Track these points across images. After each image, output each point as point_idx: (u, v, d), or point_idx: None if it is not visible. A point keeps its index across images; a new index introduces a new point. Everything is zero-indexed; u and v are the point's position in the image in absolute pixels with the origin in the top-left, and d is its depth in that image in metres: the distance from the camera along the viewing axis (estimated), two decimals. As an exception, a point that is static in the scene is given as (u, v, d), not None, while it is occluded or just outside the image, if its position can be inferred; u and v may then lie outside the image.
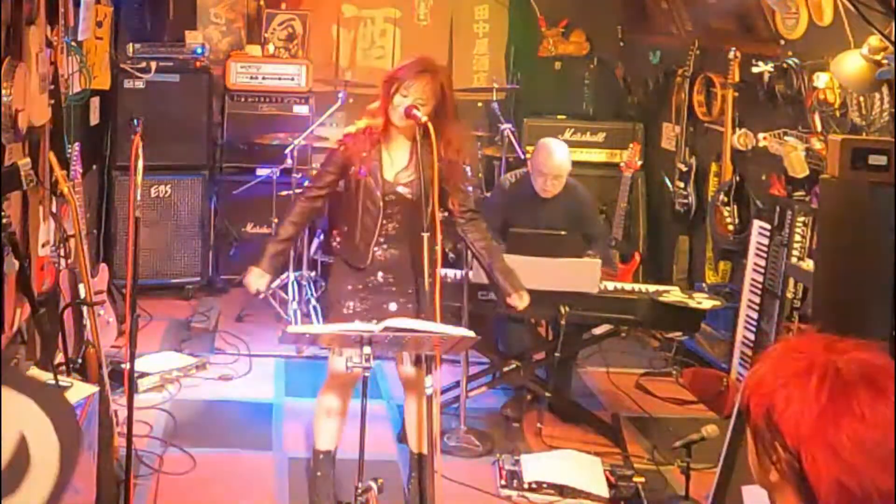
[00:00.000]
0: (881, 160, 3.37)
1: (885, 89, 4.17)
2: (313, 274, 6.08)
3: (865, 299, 3.36)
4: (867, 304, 3.34)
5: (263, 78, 6.81)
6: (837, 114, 4.56)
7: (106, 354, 4.23)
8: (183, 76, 6.56)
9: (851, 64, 4.16)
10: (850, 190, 3.45)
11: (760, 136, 5.18)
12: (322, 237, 6.14)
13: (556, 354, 4.57)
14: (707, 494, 3.65)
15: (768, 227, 4.97)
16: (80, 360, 4.05)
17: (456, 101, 3.74)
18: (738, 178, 5.51)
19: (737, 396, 4.45)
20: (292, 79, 6.84)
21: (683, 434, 4.00)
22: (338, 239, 3.88)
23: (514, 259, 4.48)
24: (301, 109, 6.80)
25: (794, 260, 4.75)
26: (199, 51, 6.63)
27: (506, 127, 6.49)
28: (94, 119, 6.18)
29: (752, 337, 5.02)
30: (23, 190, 3.98)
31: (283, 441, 4.54)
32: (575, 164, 5.37)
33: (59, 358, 4.10)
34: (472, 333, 3.22)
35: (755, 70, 5.18)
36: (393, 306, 3.68)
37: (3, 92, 3.71)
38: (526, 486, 4.09)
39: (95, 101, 6.14)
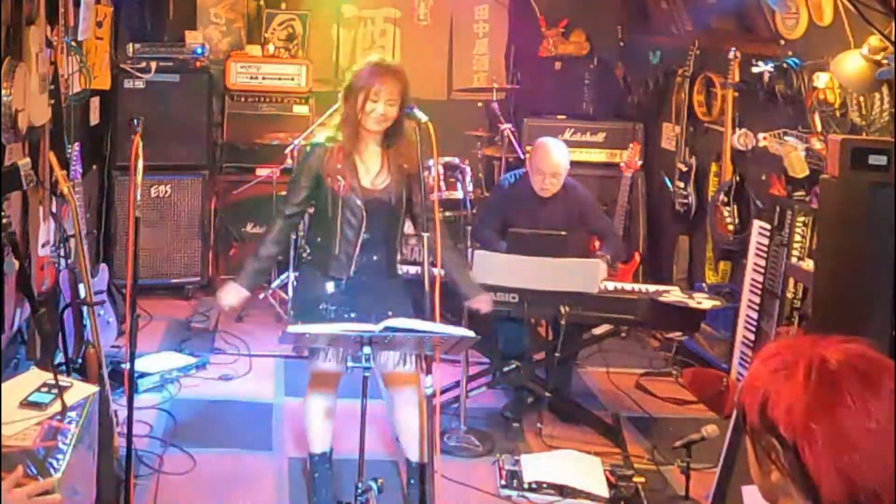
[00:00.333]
0: (881, 160, 3.37)
1: (885, 89, 4.17)
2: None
3: (865, 299, 3.36)
4: (867, 304, 3.34)
5: (263, 78, 6.81)
6: (837, 114, 4.56)
7: (106, 354, 4.24)
8: (183, 76, 6.56)
9: (851, 64, 4.16)
10: (850, 190, 3.45)
11: (760, 136, 5.18)
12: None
13: (556, 354, 4.56)
14: (707, 494, 3.65)
15: (768, 227, 4.97)
16: (80, 360, 4.05)
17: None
18: (738, 178, 5.51)
19: (737, 397, 4.45)
20: (292, 79, 6.84)
21: (683, 434, 4.01)
22: (308, 250, 3.80)
23: (514, 259, 4.49)
24: (301, 109, 6.80)
25: (794, 260, 4.74)
26: (199, 51, 6.63)
27: (506, 127, 6.49)
28: (94, 119, 6.18)
29: (752, 337, 5.02)
30: (23, 190, 3.99)
31: (283, 441, 4.54)
32: (575, 164, 5.37)
33: (59, 358, 4.10)
34: (472, 333, 3.22)
35: (755, 70, 5.18)
36: (366, 303, 3.67)
37: (3, 92, 3.72)
38: (526, 486, 4.09)
39: (95, 101, 6.15)
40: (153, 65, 6.45)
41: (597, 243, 5.32)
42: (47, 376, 3.06)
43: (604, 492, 4.07)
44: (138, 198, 3.50)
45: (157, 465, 4.16)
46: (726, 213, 5.51)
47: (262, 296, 6.22)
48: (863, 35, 4.15)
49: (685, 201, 6.11)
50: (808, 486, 1.26)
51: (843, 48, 4.33)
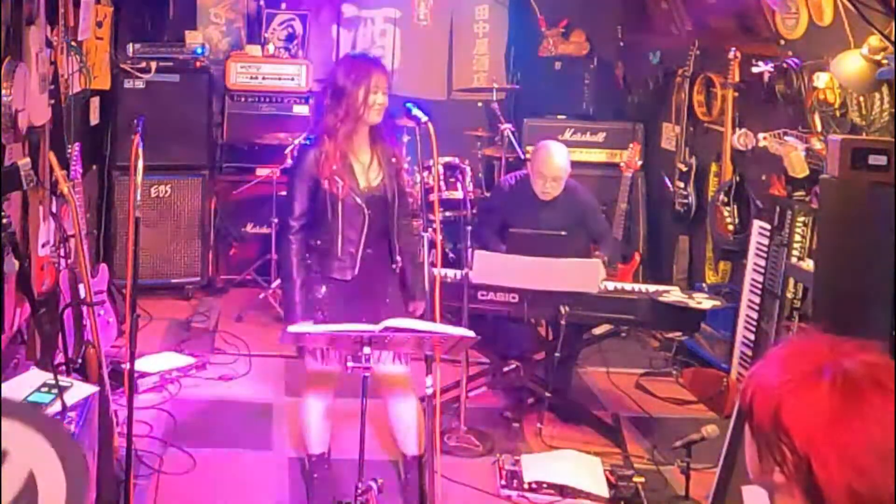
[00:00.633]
0: (881, 160, 3.37)
1: (885, 89, 4.17)
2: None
3: (865, 299, 3.35)
4: (867, 304, 3.34)
5: (263, 78, 6.81)
6: (837, 114, 4.56)
7: (106, 354, 4.24)
8: (183, 76, 6.56)
9: (851, 64, 4.16)
10: (850, 190, 3.45)
11: (760, 136, 5.18)
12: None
13: (556, 354, 4.56)
14: (707, 494, 3.65)
15: (768, 227, 4.96)
16: (80, 360, 4.05)
17: None
18: (738, 178, 5.51)
19: (737, 396, 4.45)
20: (292, 79, 6.84)
21: (683, 434, 4.00)
22: (306, 254, 3.73)
23: (514, 259, 4.49)
24: (301, 109, 6.80)
25: (794, 260, 4.74)
26: (199, 51, 6.63)
27: (506, 127, 6.49)
28: (94, 119, 6.18)
29: (752, 337, 5.02)
30: (23, 190, 3.98)
31: (283, 441, 4.54)
32: (575, 164, 5.37)
33: (59, 358, 4.10)
34: (472, 333, 3.22)
35: (755, 70, 5.18)
36: (364, 305, 3.67)
37: (3, 92, 3.72)
38: (526, 486, 4.09)
39: (95, 101, 6.15)
40: (153, 65, 6.45)
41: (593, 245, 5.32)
42: (47, 376, 3.06)
43: (604, 492, 4.07)
44: (138, 198, 3.50)
45: (157, 465, 4.16)
46: (726, 213, 5.51)
47: (261, 296, 6.22)
48: (863, 35, 4.15)
49: (685, 201, 6.11)
50: (814, 493, 1.25)
51: (843, 48, 4.33)
